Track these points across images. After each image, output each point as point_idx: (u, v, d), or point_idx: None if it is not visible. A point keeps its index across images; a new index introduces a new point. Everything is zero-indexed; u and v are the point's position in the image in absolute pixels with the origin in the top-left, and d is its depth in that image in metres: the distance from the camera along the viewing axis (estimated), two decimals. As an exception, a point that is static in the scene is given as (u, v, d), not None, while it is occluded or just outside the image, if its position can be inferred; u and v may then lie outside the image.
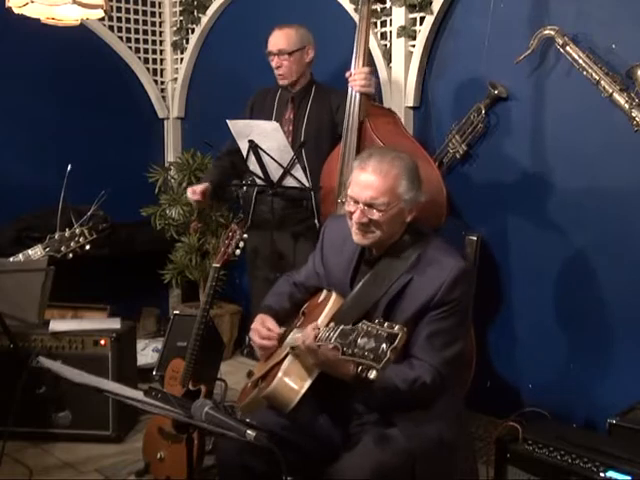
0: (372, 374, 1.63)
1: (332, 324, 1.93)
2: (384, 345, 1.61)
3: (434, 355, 1.99)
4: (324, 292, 2.24)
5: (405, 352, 2.00)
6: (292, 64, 3.33)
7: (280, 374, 2.04)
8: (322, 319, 2.09)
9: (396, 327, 1.64)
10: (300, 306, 2.33)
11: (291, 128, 3.36)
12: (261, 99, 3.53)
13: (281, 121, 3.34)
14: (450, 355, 2.01)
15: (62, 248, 2.86)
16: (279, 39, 3.35)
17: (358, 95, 3.03)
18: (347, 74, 3.04)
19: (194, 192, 3.33)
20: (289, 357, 2.07)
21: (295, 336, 2.11)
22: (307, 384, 2.02)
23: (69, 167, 2.97)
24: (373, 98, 3.14)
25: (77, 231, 2.88)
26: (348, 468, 1.89)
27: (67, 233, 2.88)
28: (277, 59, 3.34)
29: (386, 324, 1.66)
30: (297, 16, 4.14)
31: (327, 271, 2.27)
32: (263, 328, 2.21)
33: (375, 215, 2.02)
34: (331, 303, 2.14)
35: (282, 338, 2.21)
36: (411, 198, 2.05)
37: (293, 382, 2.03)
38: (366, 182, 2.04)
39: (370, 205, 2.03)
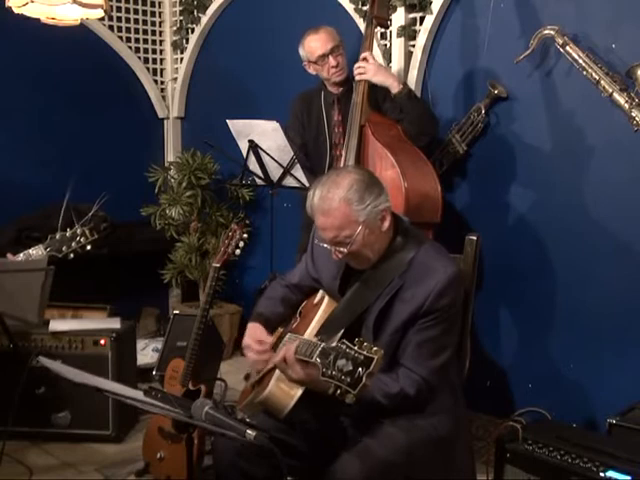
0: (348, 398, 1.62)
1: (314, 339, 1.93)
2: (360, 370, 1.61)
3: (422, 364, 1.99)
4: (320, 292, 2.23)
5: (395, 359, 2.02)
6: (344, 57, 3.30)
7: (274, 380, 2.04)
8: (313, 325, 2.09)
9: (374, 349, 1.63)
10: (296, 308, 2.32)
11: (341, 129, 3.32)
12: (306, 105, 3.46)
13: (332, 124, 3.33)
14: (438, 363, 2.02)
15: (63, 248, 2.86)
16: (326, 38, 3.27)
17: (360, 99, 3.07)
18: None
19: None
20: None
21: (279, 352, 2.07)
22: (301, 389, 2.01)
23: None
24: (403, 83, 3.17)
25: (78, 231, 2.88)
26: (347, 467, 1.89)
27: (68, 233, 2.88)
28: (333, 58, 3.25)
29: (365, 345, 1.64)
30: (297, 16, 4.16)
31: (318, 275, 2.27)
32: (255, 343, 2.17)
33: (348, 248, 2.01)
34: (323, 307, 2.14)
35: (278, 340, 2.21)
36: (370, 212, 1.99)
37: (287, 387, 2.02)
38: (321, 225, 2.02)
39: (337, 243, 2.02)
